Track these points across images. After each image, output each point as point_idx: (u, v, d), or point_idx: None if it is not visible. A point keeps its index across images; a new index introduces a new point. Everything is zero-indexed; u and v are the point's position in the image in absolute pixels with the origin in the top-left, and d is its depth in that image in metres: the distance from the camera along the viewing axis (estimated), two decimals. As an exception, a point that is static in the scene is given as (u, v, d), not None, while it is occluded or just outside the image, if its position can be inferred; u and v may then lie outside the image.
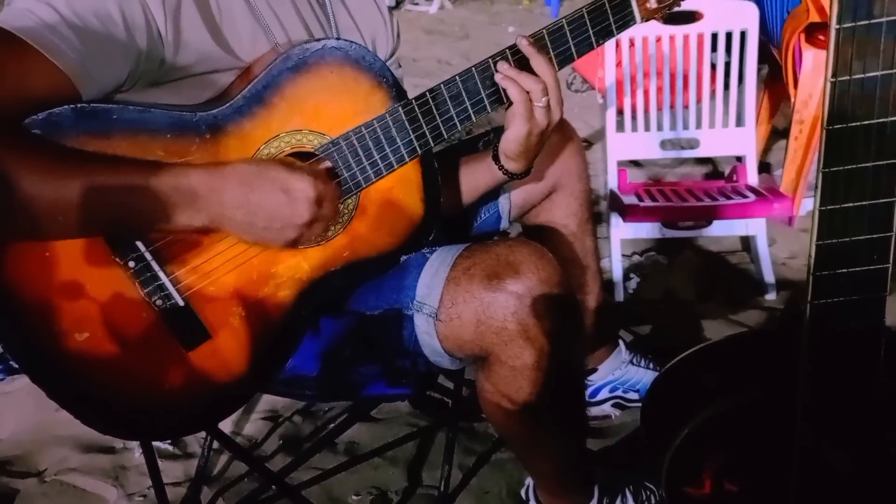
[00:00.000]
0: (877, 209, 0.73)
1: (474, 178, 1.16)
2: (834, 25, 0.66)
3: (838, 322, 0.79)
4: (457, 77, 0.99)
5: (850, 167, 0.71)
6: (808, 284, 0.77)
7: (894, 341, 0.83)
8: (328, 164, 0.97)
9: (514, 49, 0.97)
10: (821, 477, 0.89)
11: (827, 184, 0.72)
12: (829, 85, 0.68)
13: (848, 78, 0.67)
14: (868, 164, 0.71)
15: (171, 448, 1.62)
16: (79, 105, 0.83)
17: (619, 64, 2.10)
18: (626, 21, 1.02)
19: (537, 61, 0.96)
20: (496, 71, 0.97)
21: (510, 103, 0.99)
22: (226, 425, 1.66)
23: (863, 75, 0.67)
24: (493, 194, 1.31)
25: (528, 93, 0.97)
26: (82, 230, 0.84)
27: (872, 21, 0.66)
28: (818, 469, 0.89)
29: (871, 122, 0.69)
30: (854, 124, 0.69)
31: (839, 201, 0.73)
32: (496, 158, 1.09)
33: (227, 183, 0.86)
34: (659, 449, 0.92)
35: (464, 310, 1.00)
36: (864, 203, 0.73)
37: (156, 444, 1.60)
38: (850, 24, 0.66)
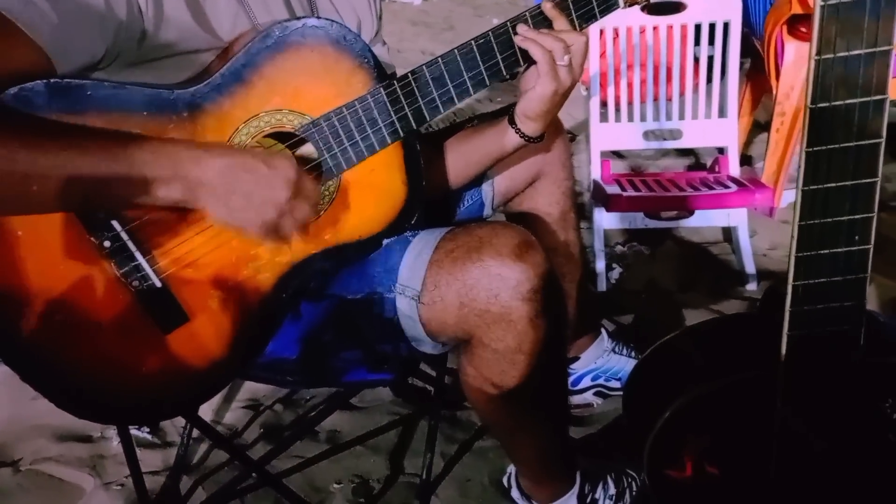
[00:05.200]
0: (859, 189, 0.73)
1: (484, 146, 1.15)
2: (819, 3, 0.66)
3: (819, 303, 0.79)
4: (439, 59, 0.98)
5: (832, 147, 0.71)
6: (789, 265, 0.77)
7: (875, 323, 0.83)
8: (312, 150, 0.96)
9: (515, 20, 0.98)
10: (800, 458, 0.90)
11: (810, 164, 0.72)
12: (812, 63, 0.67)
13: (832, 56, 0.67)
14: (850, 144, 0.71)
15: (149, 437, 1.60)
16: (52, 80, 0.81)
17: (602, 54, 2.10)
18: (608, 5, 1.02)
19: (560, 23, 0.98)
20: (515, 34, 0.98)
21: (529, 65, 0.99)
22: (206, 414, 1.64)
23: (846, 53, 0.67)
24: (476, 181, 1.31)
25: (550, 52, 0.97)
26: (57, 202, 0.81)
27: (856, -1, 0.66)
28: (798, 450, 0.89)
29: (854, 101, 0.69)
30: (837, 103, 0.69)
31: (822, 181, 0.73)
32: (512, 122, 1.09)
33: (207, 154, 0.84)
34: (640, 432, 0.92)
35: (447, 292, 0.99)
36: (846, 183, 0.73)
37: (134, 432, 1.58)
38: (834, 2, 0.65)
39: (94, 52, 0.85)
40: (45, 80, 0.80)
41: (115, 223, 0.87)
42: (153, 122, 0.87)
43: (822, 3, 0.66)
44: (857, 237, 0.75)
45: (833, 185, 0.73)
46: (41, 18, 0.79)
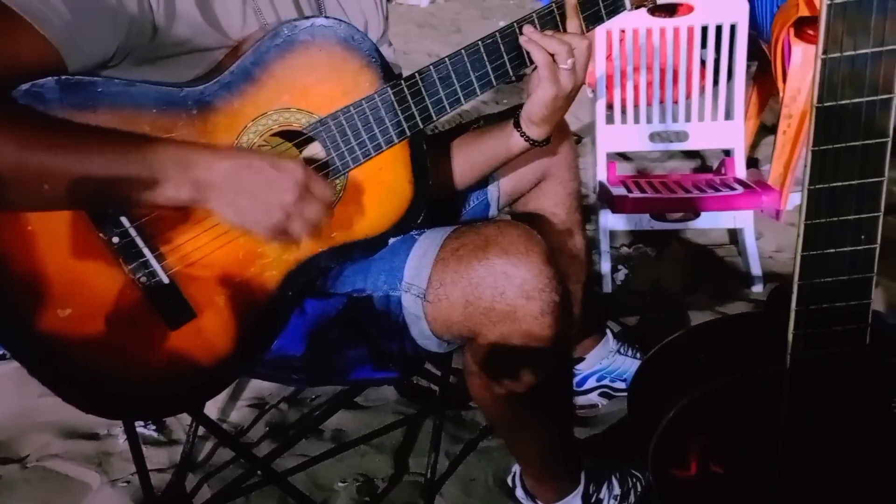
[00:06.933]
0: (865, 189, 0.73)
1: (490, 148, 1.14)
2: (825, 1, 0.66)
3: (825, 303, 0.79)
4: (446, 59, 0.98)
5: (839, 146, 0.71)
6: (795, 264, 0.77)
7: (881, 324, 0.83)
8: (320, 149, 0.96)
9: (521, 21, 0.98)
10: (806, 458, 0.90)
11: (816, 163, 0.72)
12: (819, 62, 0.68)
13: (839, 55, 0.67)
14: (857, 143, 0.71)
15: (155, 434, 1.61)
16: (63, 77, 0.82)
17: (609, 56, 2.10)
18: (615, 7, 1.02)
19: (572, 24, 0.97)
20: (521, 34, 0.97)
21: (534, 67, 0.99)
22: (211, 412, 1.65)
23: (853, 52, 0.67)
24: (482, 182, 1.31)
25: (552, 55, 0.96)
26: (67, 201, 0.82)
27: (863, -2, 0.66)
28: (803, 450, 0.89)
29: (861, 99, 0.69)
30: (844, 102, 0.69)
31: (828, 180, 0.73)
32: (517, 125, 1.08)
33: (215, 155, 0.85)
34: (645, 431, 0.91)
35: (452, 290, 1.00)
36: (852, 182, 0.73)
37: (140, 430, 1.59)
38: (840, 1, 0.66)
39: (105, 48, 0.86)
40: (56, 77, 0.81)
41: (123, 220, 0.88)
42: (163, 119, 0.87)
43: (829, 2, 0.66)
44: (863, 236, 0.75)
45: (839, 184, 0.73)
46: (54, 15, 0.80)
